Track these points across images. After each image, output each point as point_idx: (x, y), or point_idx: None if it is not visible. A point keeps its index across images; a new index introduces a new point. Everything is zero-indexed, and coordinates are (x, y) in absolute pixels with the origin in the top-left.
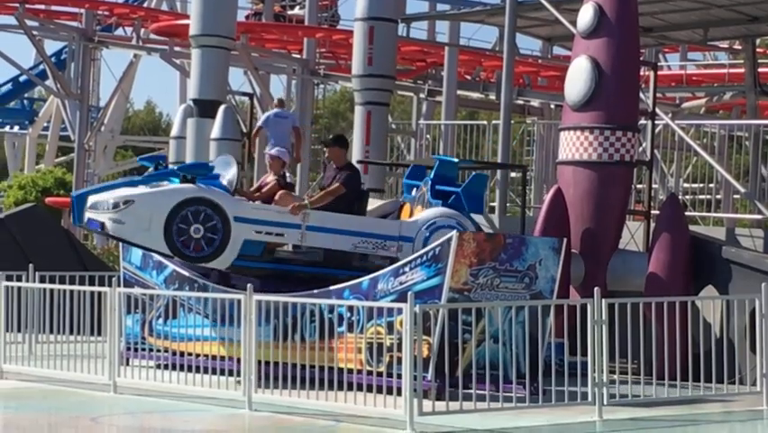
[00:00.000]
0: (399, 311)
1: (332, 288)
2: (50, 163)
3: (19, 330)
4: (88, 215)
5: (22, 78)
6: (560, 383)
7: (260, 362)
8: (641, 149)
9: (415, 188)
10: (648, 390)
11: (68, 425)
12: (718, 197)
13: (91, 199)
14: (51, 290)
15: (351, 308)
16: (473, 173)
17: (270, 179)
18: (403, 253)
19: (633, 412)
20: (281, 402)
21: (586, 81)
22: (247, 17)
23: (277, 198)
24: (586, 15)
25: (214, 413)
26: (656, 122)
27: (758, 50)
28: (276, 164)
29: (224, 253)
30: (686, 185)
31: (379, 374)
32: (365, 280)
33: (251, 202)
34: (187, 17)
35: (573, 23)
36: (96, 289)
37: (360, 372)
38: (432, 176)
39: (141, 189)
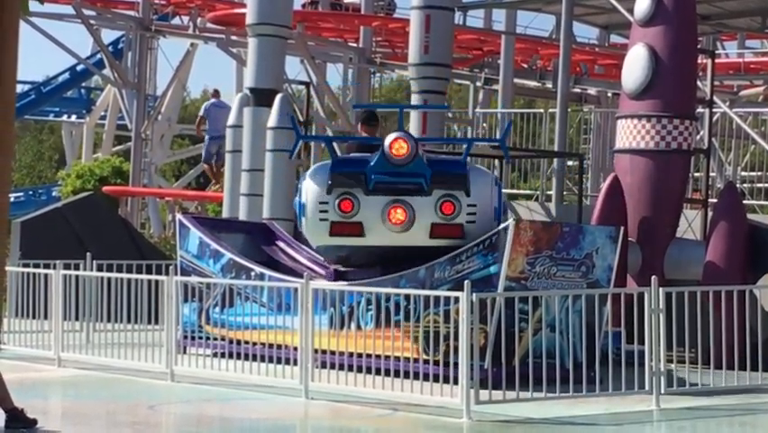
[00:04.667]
0: (456, 300)
1: (388, 276)
2: (108, 152)
3: (77, 319)
4: None
5: (79, 68)
6: (617, 372)
7: (316, 350)
8: (698, 137)
9: None
10: (706, 378)
11: (126, 413)
12: None
13: None
14: (109, 279)
15: (407, 297)
16: None
17: None
18: None
19: (690, 401)
20: (338, 391)
21: (643, 69)
22: (303, 6)
23: None
24: (643, 3)
25: (271, 401)
26: (714, 110)
27: None
28: None
29: None
30: (744, 173)
31: (436, 363)
32: (422, 268)
33: None
34: (244, 6)
35: (630, 11)
36: (154, 277)
37: (416, 360)
38: None
39: None
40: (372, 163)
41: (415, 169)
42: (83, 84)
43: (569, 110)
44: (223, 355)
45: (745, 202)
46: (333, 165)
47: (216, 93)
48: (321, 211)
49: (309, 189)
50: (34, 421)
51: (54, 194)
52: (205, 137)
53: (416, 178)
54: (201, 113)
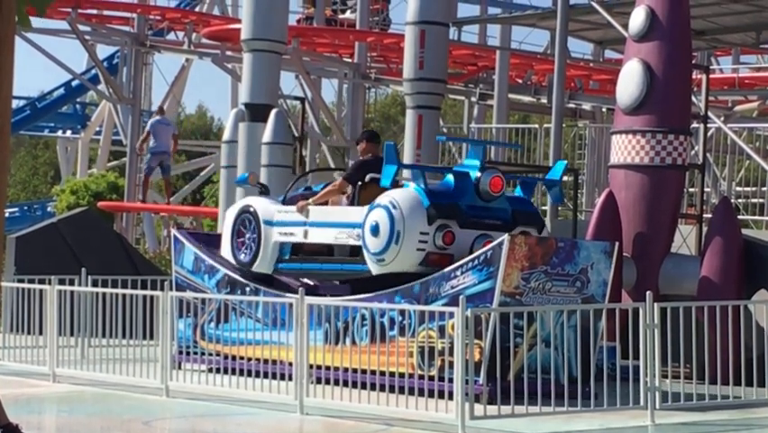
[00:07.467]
0: (451, 315)
1: (383, 292)
2: (103, 168)
3: (72, 334)
4: None
5: (74, 83)
6: (612, 387)
7: (311, 365)
8: (693, 152)
9: None
10: (701, 394)
11: (121, 428)
12: None
13: None
14: (104, 294)
15: (402, 312)
16: None
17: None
18: None
19: (685, 416)
20: (332, 406)
21: (638, 85)
22: (298, 21)
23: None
24: (638, 18)
25: (266, 417)
26: (708, 125)
27: None
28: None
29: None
30: (738, 188)
31: (431, 378)
32: (416, 284)
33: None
34: (239, 21)
35: (625, 27)
36: (149, 292)
37: (411, 375)
38: None
39: None
40: (463, 197)
41: (500, 205)
42: (78, 99)
43: (564, 125)
44: (218, 371)
45: (739, 217)
46: (429, 196)
47: (161, 110)
48: (421, 241)
49: (406, 219)
50: None
51: (49, 209)
52: (146, 151)
53: (503, 214)
54: (147, 128)
